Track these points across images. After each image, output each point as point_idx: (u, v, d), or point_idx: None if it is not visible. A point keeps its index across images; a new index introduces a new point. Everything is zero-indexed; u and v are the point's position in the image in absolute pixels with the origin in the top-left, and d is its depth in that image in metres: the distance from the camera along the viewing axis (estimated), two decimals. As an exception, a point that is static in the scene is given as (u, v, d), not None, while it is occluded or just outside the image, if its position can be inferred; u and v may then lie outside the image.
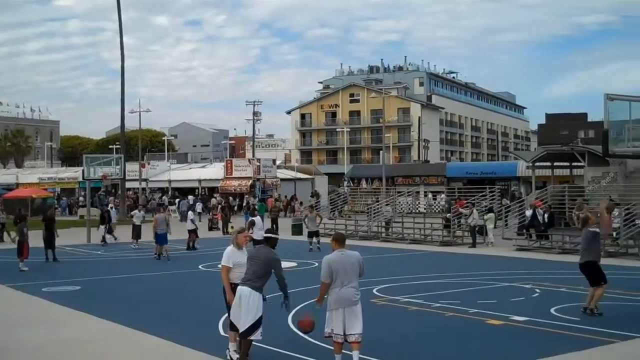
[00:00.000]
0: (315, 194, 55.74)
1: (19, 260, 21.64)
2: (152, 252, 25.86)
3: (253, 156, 72.49)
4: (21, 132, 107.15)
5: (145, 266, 23.30)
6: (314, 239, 27.94)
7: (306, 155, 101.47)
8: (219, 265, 10.52)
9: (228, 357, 10.07)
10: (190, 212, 30.04)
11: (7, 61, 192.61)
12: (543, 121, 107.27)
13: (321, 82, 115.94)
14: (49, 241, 24.35)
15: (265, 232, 10.52)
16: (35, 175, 74.42)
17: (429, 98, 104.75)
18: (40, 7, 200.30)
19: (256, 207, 36.87)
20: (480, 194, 32.12)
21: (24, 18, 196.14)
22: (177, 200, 55.02)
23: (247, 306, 9.33)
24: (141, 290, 17.88)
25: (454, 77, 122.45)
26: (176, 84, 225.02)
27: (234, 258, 10.22)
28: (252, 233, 21.66)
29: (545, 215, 27.27)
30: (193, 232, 28.72)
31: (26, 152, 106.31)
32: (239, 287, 9.65)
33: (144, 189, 61.40)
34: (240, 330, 9.43)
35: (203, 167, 72.82)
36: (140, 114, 63.49)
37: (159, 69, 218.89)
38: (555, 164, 37.90)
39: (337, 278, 9.04)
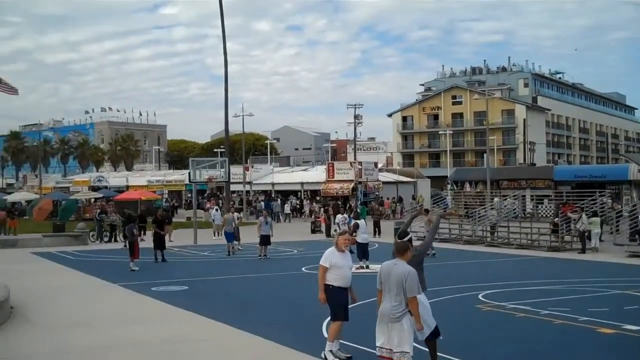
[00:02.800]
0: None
1: (130, 260, 22.42)
2: (256, 253, 26.36)
3: (355, 159, 72.51)
4: (131, 137, 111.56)
5: (249, 267, 23.68)
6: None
7: (408, 158, 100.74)
8: (319, 266, 10.54)
9: (322, 356, 10.12)
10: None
11: (117, 68, 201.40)
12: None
13: (422, 85, 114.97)
14: (159, 242, 25.05)
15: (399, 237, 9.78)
16: (144, 178, 77.40)
17: (534, 99, 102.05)
18: (147, 16, 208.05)
19: (359, 210, 36.84)
20: (590, 198, 31.03)
21: (133, 26, 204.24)
22: (264, 202, 55.91)
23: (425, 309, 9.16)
24: (245, 291, 18.16)
25: (560, 78, 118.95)
26: (278, 88, 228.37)
27: (331, 259, 10.22)
28: (355, 236, 21.64)
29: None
30: None
31: (135, 155, 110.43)
32: None
33: (247, 192, 62.47)
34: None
35: (305, 170, 73.52)
36: (243, 118, 64.65)
37: (261, 73, 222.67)
38: (670, 167, 36.23)
39: (384, 288, 8.58)
